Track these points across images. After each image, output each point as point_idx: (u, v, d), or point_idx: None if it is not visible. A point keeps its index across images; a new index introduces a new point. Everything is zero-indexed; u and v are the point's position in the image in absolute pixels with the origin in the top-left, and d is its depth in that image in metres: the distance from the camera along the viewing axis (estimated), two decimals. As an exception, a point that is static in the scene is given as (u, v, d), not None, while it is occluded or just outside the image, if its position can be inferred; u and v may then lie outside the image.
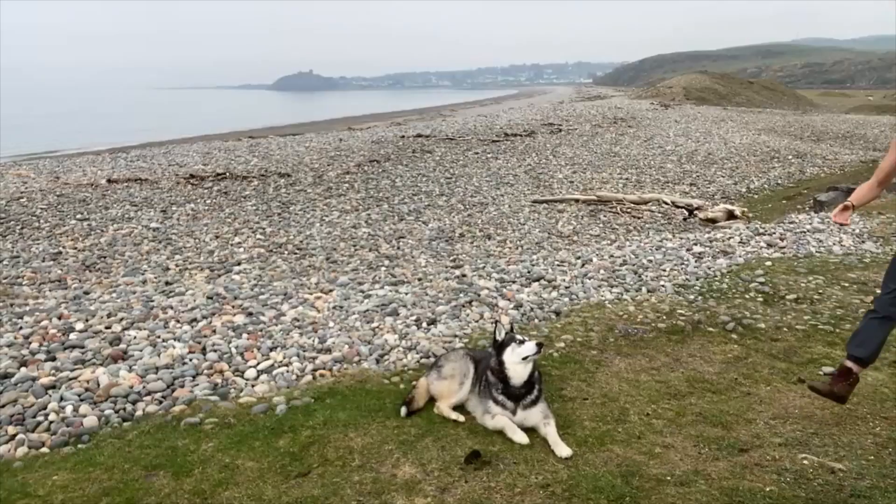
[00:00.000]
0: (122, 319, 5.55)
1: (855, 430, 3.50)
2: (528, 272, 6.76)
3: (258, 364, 4.63)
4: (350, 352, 4.78)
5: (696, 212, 12.36)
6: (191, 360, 4.67)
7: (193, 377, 4.42)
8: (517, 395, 3.54)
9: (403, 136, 25.11)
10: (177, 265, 8.70)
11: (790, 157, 19.88)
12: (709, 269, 6.60)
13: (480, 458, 3.29)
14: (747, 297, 5.70)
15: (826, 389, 3.55)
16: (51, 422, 3.87)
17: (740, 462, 3.22)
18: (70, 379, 4.36)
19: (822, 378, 4.04)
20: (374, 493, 3.01)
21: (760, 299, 5.64)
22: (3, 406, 4.00)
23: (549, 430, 3.44)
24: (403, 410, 3.77)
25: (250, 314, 5.67)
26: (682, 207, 12.74)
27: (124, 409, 4.01)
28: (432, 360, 4.36)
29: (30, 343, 5.03)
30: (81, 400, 4.09)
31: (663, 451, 3.34)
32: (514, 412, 3.53)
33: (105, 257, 9.15)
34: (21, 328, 5.45)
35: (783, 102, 53.47)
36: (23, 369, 4.50)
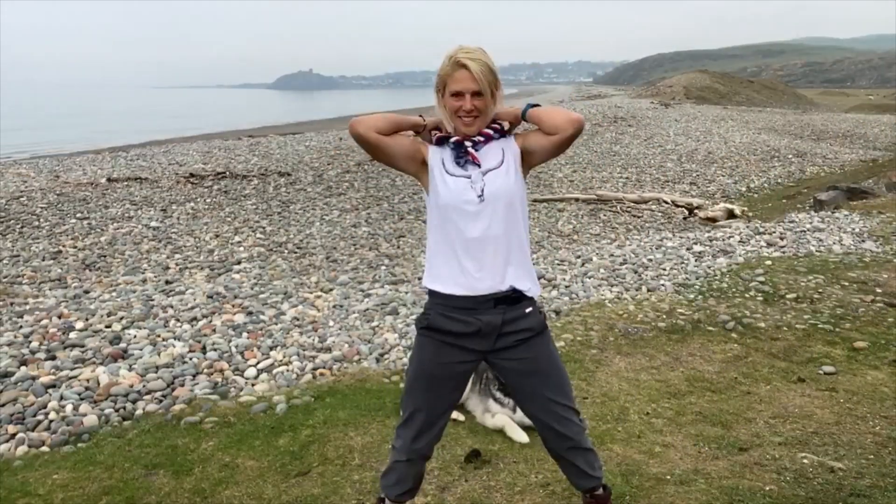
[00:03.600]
0: (122, 318, 5.55)
1: (854, 430, 3.50)
2: (528, 271, 6.76)
3: (258, 363, 4.64)
4: (350, 351, 4.79)
5: (696, 211, 12.36)
6: (191, 359, 4.68)
7: (193, 376, 4.43)
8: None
9: (403, 135, 25.08)
10: (177, 264, 8.70)
11: (790, 156, 19.87)
12: (709, 268, 6.60)
13: (480, 456, 3.29)
14: (747, 296, 5.70)
15: None
16: (51, 421, 3.87)
17: (740, 461, 3.22)
18: (70, 378, 4.37)
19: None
20: (374, 491, 3.01)
21: (760, 298, 5.64)
22: (3, 405, 4.01)
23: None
24: (403, 409, 3.76)
25: (250, 313, 5.68)
26: (682, 206, 12.74)
27: (124, 407, 4.01)
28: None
29: (30, 342, 5.03)
30: (81, 399, 4.10)
31: (663, 450, 3.34)
32: (514, 410, 3.52)
33: (105, 256, 9.15)
34: (21, 327, 5.46)
35: (783, 101, 53.42)
36: (23, 368, 4.51)
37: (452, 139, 2.25)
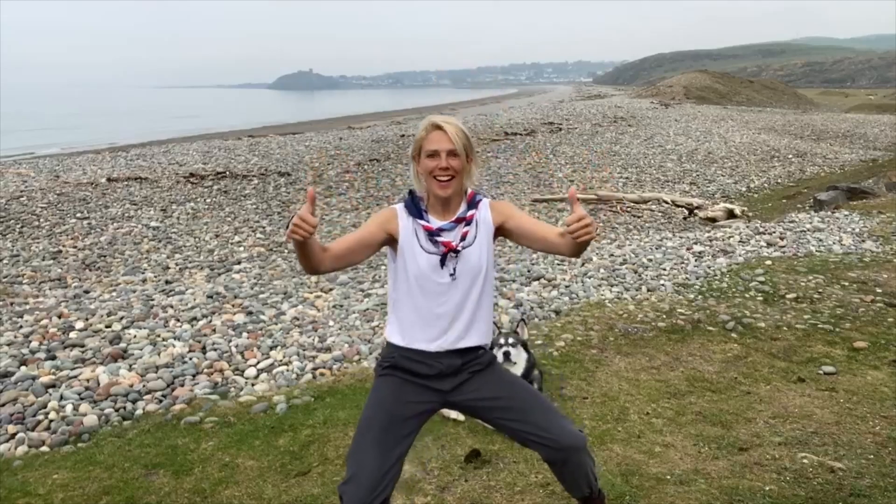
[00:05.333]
0: (122, 318, 5.55)
1: (854, 430, 3.51)
2: (528, 271, 6.76)
3: (258, 363, 4.64)
4: (350, 351, 4.79)
5: (696, 211, 12.36)
6: (191, 358, 4.68)
7: (193, 376, 4.43)
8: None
9: (403, 135, 25.12)
10: (177, 264, 8.71)
11: (790, 156, 19.87)
12: (709, 268, 6.60)
13: (480, 456, 3.29)
14: (747, 296, 5.70)
15: None
16: (51, 420, 3.87)
17: (740, 461, 3.22)
18: (70, 378, 4.37)
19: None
20: (374, 491, 3.01)
21: (760, 298, 5.64)
22: (3, 405, 4.01)
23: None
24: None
25: (250, 313, 5.68)
26: (682, 206, 12.74)
27: (124, 407, 4.01)
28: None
29: (30, 342, 5.04)
30: (81, 399, 4.10)
31: (663, 450, 3.34)
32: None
33: (105, 256, 9.15)
34: (21, 327, 5.46)
35: (783, 101, 53.45)
36: (23, 368, 4.51)
37: (425, 227, 2.25)
